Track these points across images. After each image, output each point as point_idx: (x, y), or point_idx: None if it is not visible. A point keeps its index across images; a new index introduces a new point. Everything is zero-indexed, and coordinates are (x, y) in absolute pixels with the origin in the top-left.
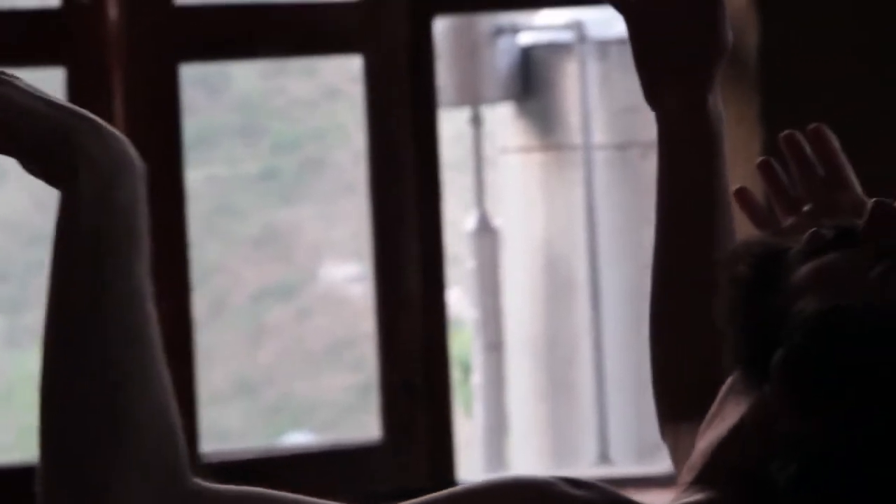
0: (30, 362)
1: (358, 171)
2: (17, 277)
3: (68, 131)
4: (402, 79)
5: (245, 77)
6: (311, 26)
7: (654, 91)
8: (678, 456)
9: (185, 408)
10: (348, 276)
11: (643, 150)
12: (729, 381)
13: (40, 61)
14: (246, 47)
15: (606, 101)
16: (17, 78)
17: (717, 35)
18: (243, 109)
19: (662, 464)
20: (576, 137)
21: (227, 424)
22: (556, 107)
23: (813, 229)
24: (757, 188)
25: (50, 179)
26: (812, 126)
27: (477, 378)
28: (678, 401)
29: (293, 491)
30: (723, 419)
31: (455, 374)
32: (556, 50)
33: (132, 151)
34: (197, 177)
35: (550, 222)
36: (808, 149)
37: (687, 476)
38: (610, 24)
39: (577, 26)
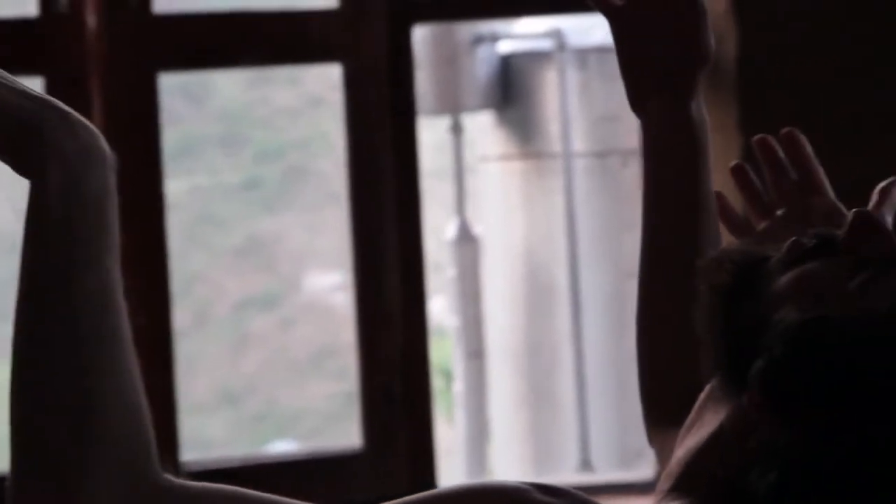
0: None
1: (342, 181)
2: None
3: (39, 122)
4: (381, 87)
5: (228, 86)
6: (291, 35)
7: (639, 98)
8: (665, 461)
9: (166, 417)
10: (332, 285)
11: (623, 157)
12: (708, 388)
13: (18, 70)
14: (225, 56)
15: (586, 109)
16: None
17: (700, 42)
18: (226, 119)
19: (644, 470)
20: (555, 145)
21: (212, 434)
22: (536, 115)
23: (793, 238)
24: (735, 195)
25: (19, 170)
26: (785, 130)
27: (458, 386)
28: (665, 406)
29: None
30: (701, 426)
31: (437, 382)
32: (535, 58)
33: (103, 143)
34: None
35: (531, 230)
36: (780, 152)
37: (665, 483)
38: (589, 32)
39: (557, 35)
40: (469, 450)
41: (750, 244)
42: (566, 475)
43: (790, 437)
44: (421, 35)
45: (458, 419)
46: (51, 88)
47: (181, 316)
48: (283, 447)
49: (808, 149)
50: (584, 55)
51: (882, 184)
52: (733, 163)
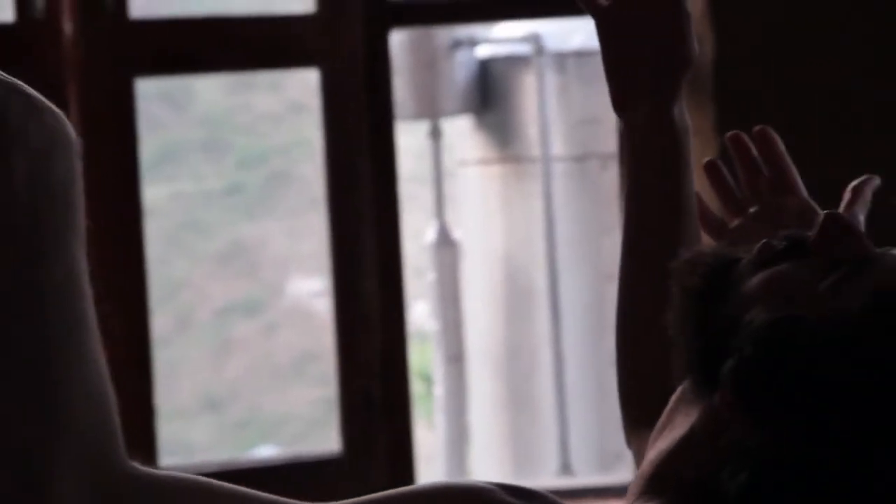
0: None
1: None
2: None
3: (3, 108)
4: (359, 92)
5: (209, 92)
6: (268, 40)
7: (623, 100)
8: (642, 463)
9: (145, 422)
10: (314, 291)
11: (601, 161)
12: (679, 390)
13: None
14: (202, 61)
15: (564, 113)
16: None
17: (683, 47)
18: (208, 125)
19: (624, 474)
20: (534, 149)
21: (195, 439)
22: (515, 119)
23: (764, 240)
24: (709, 193)
25: None
26: (758, 128)
27: (438, 390)
28: (644, 407)
29: None
30: (673, 428)
31: (417, 386)
32: (514, 62)
33: (69, 128)
34: (162, 193)
35: (510, 234)
36: (754, 150)
37: (637, 485)
38: (567, 36)
39: (535, 39)
40: (449, 453)
41: (723, 246)
42: (546, 479)
43: (761, 437)
44: (399, 40)
45: (437, 423)
46: None
47: (164, 321)
48: (266, 452)
49: (781, 147)
50: (563, 59)
51: (855, 182)
52: (706, 160)
